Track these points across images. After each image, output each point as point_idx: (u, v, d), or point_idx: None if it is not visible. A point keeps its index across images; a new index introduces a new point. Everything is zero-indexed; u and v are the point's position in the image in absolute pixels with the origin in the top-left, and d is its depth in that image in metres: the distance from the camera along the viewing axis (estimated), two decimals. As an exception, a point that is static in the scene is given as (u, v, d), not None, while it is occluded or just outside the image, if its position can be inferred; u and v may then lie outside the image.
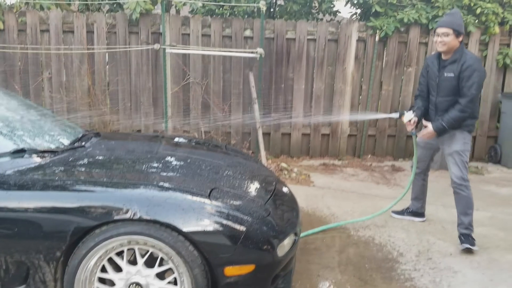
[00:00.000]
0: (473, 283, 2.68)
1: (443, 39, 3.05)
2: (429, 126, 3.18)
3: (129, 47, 5.53)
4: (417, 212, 3.62)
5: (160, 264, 2.01)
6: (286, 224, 2.27)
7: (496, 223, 3.63)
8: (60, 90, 5.55)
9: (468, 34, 5.67)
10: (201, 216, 1.98)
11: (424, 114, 3.34)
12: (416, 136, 3.42)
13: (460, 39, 3.06)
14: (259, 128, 5.21)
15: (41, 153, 2.31)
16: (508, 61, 5.67)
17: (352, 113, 5.84)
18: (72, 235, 1.92)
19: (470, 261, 2.95)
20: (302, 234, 3.23)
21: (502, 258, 3.02)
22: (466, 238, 3.10)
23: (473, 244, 3.07)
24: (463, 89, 3.01)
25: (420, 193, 3.58)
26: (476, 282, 2.69)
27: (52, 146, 2.47)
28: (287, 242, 2.17)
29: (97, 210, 1.94)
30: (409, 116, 3.28)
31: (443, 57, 3.15)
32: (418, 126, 3.40)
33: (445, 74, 3.10)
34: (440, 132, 3.13)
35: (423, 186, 3.57)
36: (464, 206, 3.13)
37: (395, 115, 3.44)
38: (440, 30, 3.08)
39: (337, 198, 4.25)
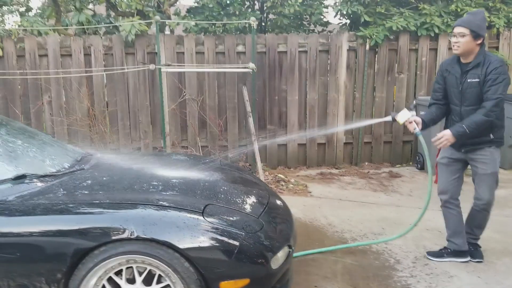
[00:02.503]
0: (469, 286, 2.73)
1: (458, 40, 2.73)
2: (446, 131, 2.79)
3: (126, 68, 5.64)
4: (459, 250, 3.04)
5: (158, 282, 2.08)
6: (280, 237, 2.34)
7: (492, 225, 3.62)
8: (60, 113, 5.66)
9: (457, 39, 5.78)
10: (196, 233, 2.05)
11: (435, 121, 3.03)
12: (421, 135, 2.98)
13: (479, 41, 2.74)
14: (254, 140, 5.29)
15: (41, 177, 2.40)
16: (497, 63, 5.75)
17: (346, 121, 5.92)
18: (72, 257, 1.99)
19: (466, 265, 2.99)
20: (317, 250, 3.21)
21: (498, 260, 3.06)
22: (476, 249, 3.05)
23: (482, 256, 3.06)
24: (488, 92, 2.72)
25: (458, 226, 3.03)
26: (471, 286, 2.74)
27: (52, 170, 2.56)
28: (281, 254, 2.24)
29: (96, 231, 2.02)
30: (404, 116, 2.89)
31: (463, 60, 2.84)
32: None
33: (469, 80, 2.79)
34: (460, 138, 2.75)
35: (458, 215, 3.02)
36: (482, 221, 3.03)
37: (388, 118, 3.12)
38: (456, 30, 2.76)
39: (334, 207, 4.31)
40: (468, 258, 3.05)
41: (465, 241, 3.06)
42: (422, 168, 5.58)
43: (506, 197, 4.45)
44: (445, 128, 3.02)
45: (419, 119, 2.93)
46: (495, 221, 3.74)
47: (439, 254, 3.11)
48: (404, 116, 2.90)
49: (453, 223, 3.05)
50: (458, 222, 3.04)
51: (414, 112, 2.98)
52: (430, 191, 2.93)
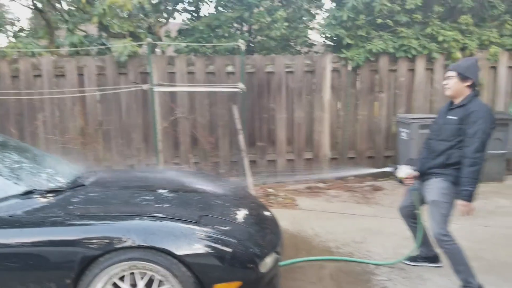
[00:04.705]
0: (440, 288, 3.00)
1: (447, 82, 2.93)
2: (460, 202, 2.80)
3: (119, 88, 5.86)
4: (428, 256, 3.32)
5: (158, 285, 2.28)
6: (268, 244, 2.56)
7: (463, 234, 3.90)
8: (55, 131, 5.83)
9: (432, 60, 6.18)
10: (192, 241, 2.27)
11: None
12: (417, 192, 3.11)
13: (467, 83, 2.86)
14: (245, 156, 5.53)
15: (47, 193, 2.59)
16: (470, 83, 6.14)
17: (331, 138, 6.23)
18: (79, 264, 2.19)
19: (439, 269, 3.25)
20: (302, 259, 3.40)
21: None
22: None
23: None
24: (466, 138, 2.78)
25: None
26: (442, 287, 2.99)
27: (56, 186, 2.75)
28: (269, 260, 2.46)
29: (101, 241, 2.22)
30: (404, 171, 3.06)
31: (454, 103, 2.97)
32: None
33: (449, 116, 2.92)
34: (472, 196, 2.76)
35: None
36: (453, 262, 2.88)
37: (388, 169, 3.27)
38: (446, 74, 2.99)
39: (320, 219, 4.55)
40: (441, 264, 3.27)
41: (431, 249, 3.28)
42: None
43: (478, 208, 4.69)
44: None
45: (416, 174, 3.07)
46: (466, 230, 4.05)
47: (414, 259, 3.37)
48: (404, 172, 3.07)
49: (416, 234, 3.25)
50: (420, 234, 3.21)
51: (414, 167, 3.10)
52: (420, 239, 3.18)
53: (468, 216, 2.82)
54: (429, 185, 2.98)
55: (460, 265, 2.86)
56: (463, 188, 2.77)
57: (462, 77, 2.87)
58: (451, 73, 2.93)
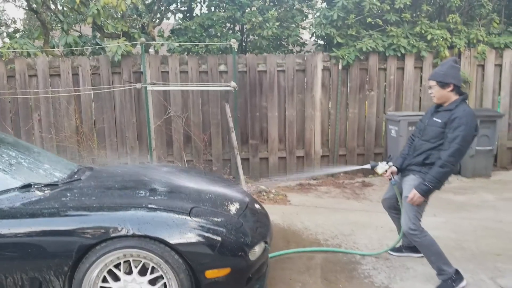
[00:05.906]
0: (422, 276, 3.14)
1: (431, 91, 3.01)
2: (413, 191, 2.92)
3: (112, 87, 5.96)
4: (412, 246, 3.36)
5: (151, 272, 2.40)
6: (257, 234, 2.69)
7: (449, 226, 4.10)
8: (50, 130, 5.91)
9: (421, 58, 6.33)
10: (184, 230, 2.39)
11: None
12: (397, 186, 3.21)
13: (449, 89, 2.92)
14: (237, 154, 5.65)
15: (45, 186, 2.70)
16: (458, 81, 6.30)
17: (323, 136, 6.36)
18: (77, 253, 2.30)
19: (422, 259, 3.36)
20: (293, 250, 3.53)
21: (449, 255, 3.39)
22: (445, 283, 2.94)
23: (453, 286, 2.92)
24: (445, 141, 2.85)
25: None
26: (424, 275, 3.14)
27: (54, 180, 2.86)
28: (258, 249, 2.59)
29: (97, 230, 2.33)
30: (382, 168, 3.16)
31: (442, 105, 3.03)
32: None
33: (434, 118, 2.99)
34: (428, 192, 2.89)
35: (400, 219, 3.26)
36: (425, 253, 3.01)
37: (367, 166, 3.34)
38: (428, 84, 3.07)
39: (310, 214, 4.67)
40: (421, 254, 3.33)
41: None
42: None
43: (464, 202, 4.91)
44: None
45: (394, 169, 3.17)
46: (452, 223, 4.21)
47: (398, 249, 3.51)
48: (383, 168, 3.18)
49: (399, 225, 3.33)
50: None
51: (391, 163, 3.21)
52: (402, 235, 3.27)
53: (412, 203, 2.93)
54: (406, 181, 3.09)
55: (432, 256, 2.97)
56: (425, 183, 2.87)
57: (442, 84, 2.93)
58: (431, 83, 3.00)
